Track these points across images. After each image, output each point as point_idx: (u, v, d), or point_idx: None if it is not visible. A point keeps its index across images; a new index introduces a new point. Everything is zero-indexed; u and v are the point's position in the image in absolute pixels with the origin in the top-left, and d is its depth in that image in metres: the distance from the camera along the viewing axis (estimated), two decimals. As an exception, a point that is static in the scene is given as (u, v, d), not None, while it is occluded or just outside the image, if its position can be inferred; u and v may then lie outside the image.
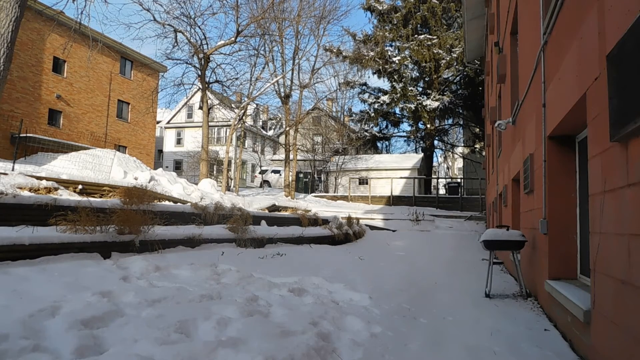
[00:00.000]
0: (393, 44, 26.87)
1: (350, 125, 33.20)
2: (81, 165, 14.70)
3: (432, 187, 29.63)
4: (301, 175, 29.47)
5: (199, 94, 21.61)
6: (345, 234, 10.96)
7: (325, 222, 11.96)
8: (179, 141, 37.06)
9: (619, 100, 1.99)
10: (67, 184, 8.25)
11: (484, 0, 12.46)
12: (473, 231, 13.96)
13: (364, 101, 28.50)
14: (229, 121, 24.08)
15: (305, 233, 9.33)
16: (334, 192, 27.16)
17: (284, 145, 24.15)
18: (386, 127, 30.02)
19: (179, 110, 36.31)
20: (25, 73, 18.25)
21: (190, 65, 18.71)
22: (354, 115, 32.40)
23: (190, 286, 3.83)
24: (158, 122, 30.91)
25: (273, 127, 41.09)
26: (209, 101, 19.18)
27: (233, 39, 18.11)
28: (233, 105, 24.00)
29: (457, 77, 26.41)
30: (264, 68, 22.12)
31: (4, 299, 2.95)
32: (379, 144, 31.71)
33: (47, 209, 5.38)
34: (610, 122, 2.10)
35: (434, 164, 34.72)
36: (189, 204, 9.21)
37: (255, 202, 14.80)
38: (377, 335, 3.02)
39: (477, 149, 27.58)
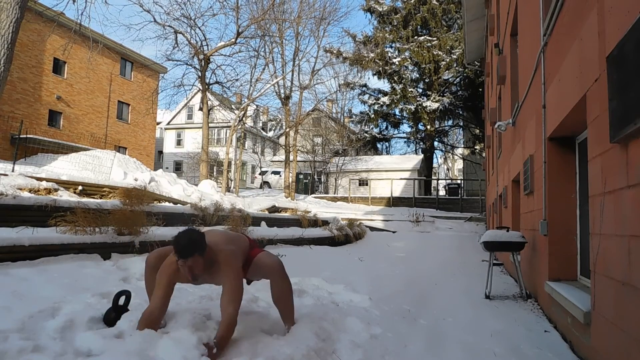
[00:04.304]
0: (393, 45, 26.91)
1: (350, 126, 33.21)
2: (81, 166, 14.70)
3: (432, 189, 29.62)
4: (301, 177, 29.45)
5: (199, 95, 21.61)
6: (345, 235, 10.96)
7: (325, 223, 11.95)
8: (179, 142, 37.08)
9: (619, 102, 2.00)
10: (67, 184, 8.24)
11: (484, 1, 12.47)
12: (473, 232, 13.95)
13: (364, 102, 28.55)
14: (229, 122, 24.06)
15: (305, 234, 9.32)
16: (334, 193, 27.14)
17: (284, 147, 24.17)
18: (386, 128, 30.06)
19: (179, 112, 36.31)
20: (25, 74, 18.26)
21: (190, 67, 18.74)
22: (354, 117, 32.43)
23: (190, 287, 3.82)
24: (158, 123, 30.92)
25: (273, 128, 41.10)
26: (209, 102, 19.19)
27: (233, 40, 18.13)
28: (233, 107, 24.01)
29: (457, 79, 26.46)
30: (264, 69, 22.15)
31: (4, 300, 2.96)
32: (379, 145, 31.74)
33: (47, 209, 5.37)
34: (610, 123, 2.11)
35: (434, 165, 34.71)
36: (188, 204, 9.21)
37: (255, 203, 14.78)
38: (377, 336, 3.02)
39: (477, 150, 27.61)
